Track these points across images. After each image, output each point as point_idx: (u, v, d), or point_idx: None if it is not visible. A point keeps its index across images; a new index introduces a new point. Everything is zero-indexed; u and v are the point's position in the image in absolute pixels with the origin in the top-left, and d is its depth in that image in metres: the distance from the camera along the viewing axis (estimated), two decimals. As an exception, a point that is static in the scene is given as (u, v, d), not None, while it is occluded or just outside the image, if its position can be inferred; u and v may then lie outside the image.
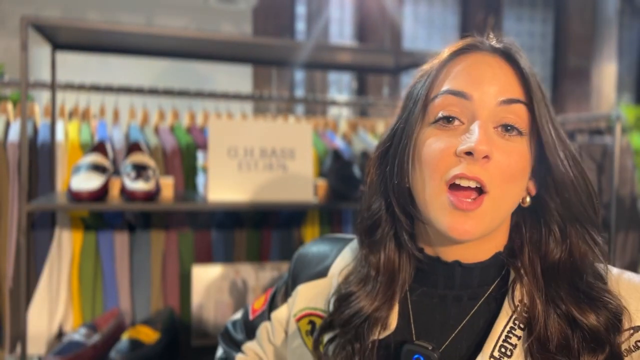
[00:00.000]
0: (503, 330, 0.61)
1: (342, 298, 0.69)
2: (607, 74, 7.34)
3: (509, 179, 0.58)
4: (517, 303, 0.61)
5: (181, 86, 1.92)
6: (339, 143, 1.97)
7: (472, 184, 0.58)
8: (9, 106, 1.80)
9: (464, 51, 0.63)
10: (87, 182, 1.30)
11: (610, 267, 0.63)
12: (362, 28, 6.79)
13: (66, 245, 1.65)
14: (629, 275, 0.63)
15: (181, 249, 1.79)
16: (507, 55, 0.62)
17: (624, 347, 0.59)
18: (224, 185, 1.43)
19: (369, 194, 0.70)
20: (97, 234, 1.69)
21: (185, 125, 1.95)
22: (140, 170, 1.38)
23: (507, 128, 0.59)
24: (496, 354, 0.59)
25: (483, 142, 0.56)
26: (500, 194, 0.58)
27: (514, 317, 0.61)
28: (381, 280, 0.67)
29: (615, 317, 0.58)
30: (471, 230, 0.58)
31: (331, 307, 0.70)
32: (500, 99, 0.59)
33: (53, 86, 1.58)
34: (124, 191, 1.34)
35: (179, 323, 1.64)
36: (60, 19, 1.36)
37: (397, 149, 0.65)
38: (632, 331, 0.59)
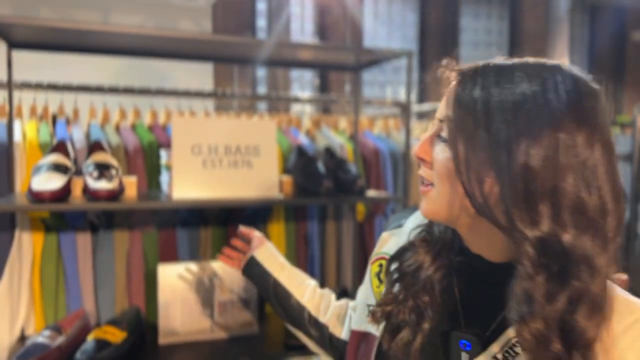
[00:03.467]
0: (513, 337, 0.66)
1: (406, 248, 0.79)
2: (559, 69, 7.59)
3: (441, 176, 0.68)
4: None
5: (140, 84, 1.90)
6: (302, 139, 2.00)
7: (425, 182, 0.72)
8: (-38, 106, 1.74)
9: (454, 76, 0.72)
10: (48, 182, 1.28)
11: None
12: (322, 25, 6.82)
13: (27, 247, 1.62)
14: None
15: (146, 249, 1.78)
16: (462, 75, 0.68)
17: None
18: (189, 182, 1.44)
19: None
20: (59, 235, 1.66)
21: (147, 124, 1.93)
22: (102, 170, 1.37)
23: (440, 137, 0.69)
24: (500, 356, 0.67)
25: (415, 148, 0.71)
26: (438, 188, 0.69)
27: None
28: (440, 247, 0.76)
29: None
30: (425, 209, 0.71)
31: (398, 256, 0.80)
32: (439, 117, 0.70)
33: (10, 85, 1.55)
34: (86, 191, 1.33)
35: (145, 322, 1.63)
36: (15, 17, 1.33)
37: None
38: None
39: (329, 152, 1.73)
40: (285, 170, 1.76)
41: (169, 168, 1.52)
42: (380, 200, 1.79)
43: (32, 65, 2.22)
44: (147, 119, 1.95)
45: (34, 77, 1.82)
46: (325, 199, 1.52)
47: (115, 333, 1.41)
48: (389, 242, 0.87)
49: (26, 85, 1.77)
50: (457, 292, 0.73)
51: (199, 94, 2.01)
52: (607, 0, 8.73)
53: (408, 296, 0.74)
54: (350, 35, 6.38)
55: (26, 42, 1.52)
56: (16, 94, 1.79)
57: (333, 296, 1.06)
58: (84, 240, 1.69)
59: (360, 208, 1.95)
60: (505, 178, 0.61)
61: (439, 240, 0.76)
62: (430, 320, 0.72)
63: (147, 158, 1.75)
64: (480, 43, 9.03)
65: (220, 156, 1.47)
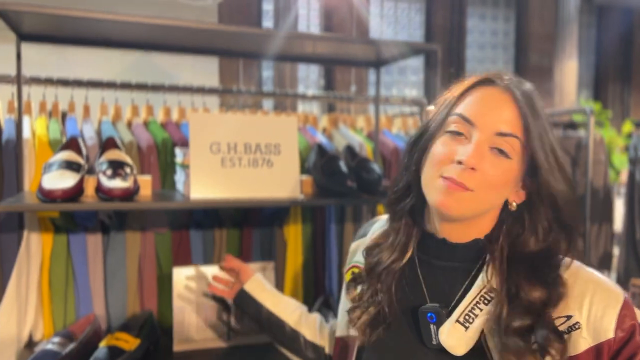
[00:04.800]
0: (471, 302, 0.79)
1: (370, 248, 0.92)
2: (568, 71, 7.53)
3: (491, 185, 0.77)
4: (485, 282, 0.79)
5: (146, 82, 1.83)
6: (320, 138, 1.93)
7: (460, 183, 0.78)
8: (-32, 101, 1.68)
9: (484, 83, 0.82)
10: (60, 180, 1.21)
11: (575, 262, 0.80)
12: (329, 26, 6.75)
13: (35, 248, 1.55)
14: (587, 269, 0.80)
15: (158, 251, 1.71)
16: (515, 96, 0.79)
17: (560, 328, 0.75)
18: (207, 182, 1.37)
19: (400, 174, 0.90)
20: (69, 235, 1.60)
21: (160, 121, 1.86)
22: (117, 168, 1.30)
23: (500, 151, 0.77)
24: (461, 319, 0.78)
25: (472, 157, 0.76)
26: (481, 195, 0.77)
27: (482, 292, 0.79)
28: (400, 240, 0.88)
29: (554, 298, 0.75)
30: (452, 205, 0.78)
31: (363, 258, 0.92)
32: (497, 131, 0.78)
33: (18, 80, 1.48)
34: (100, 190, 1.26)
35: (158, 328, 1.56)
36: (26, 4, 1.27)
37: (421, 142, 0.85)
38: (564, 319, 0.75)
39: (351, 151, 1.66)
40: (304, 169, 1.69)
41: (185, 167, 1.45)
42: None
43: (38, 61, 2.15)
44: (159, 116, 1.88)
45: (41, 73, 1.75)
46: (349, 199, 1.45)
47: (128, 340, 1.34)
48: (357, 251, 0.98)
49: (35, 80, 1.71)
50: (421, 275, 0.85)
51: (212, 91, 1.94)
52: (614, 1, 8.66)
53: (369, 287, 0.87)
54: (356, 35, 6.31)
55: (36, 34, 1.45)
56: (25, 90, 1.72)
57: (324, 319, 1.15)
58: (94, 241, 1.62)
59: (381, 209, 1.88)
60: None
61: (399, 234, 0.88)
62: (385, 306, 0.85)
63: (161, 156, 1.69)
64: (486, 44, 8.97)
65: (239, 154, 1.40)
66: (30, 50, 1.51)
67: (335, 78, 6.67)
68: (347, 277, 0.96)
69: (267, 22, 6.35)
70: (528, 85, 0.82)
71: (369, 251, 0.92)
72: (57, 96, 1.76)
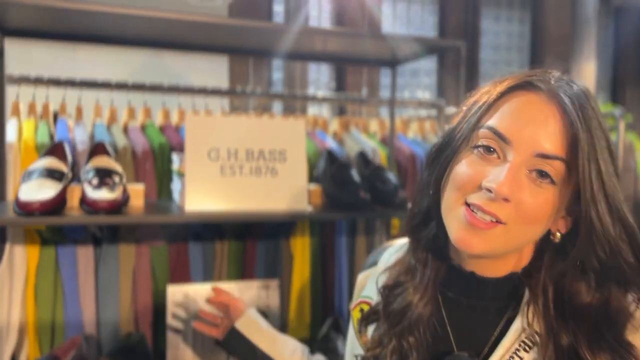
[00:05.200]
0: (509, 350, 0.66)
1: (391, 287, 0.76)
2: (586, 73, 7.32)
3: (529, 220, 0.62)
4: (526, 325, 0.66)
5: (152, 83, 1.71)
6: (330, 143, 1.79)
7: (487, 218, 0.62)
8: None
9: (524, 87, 0.65)
10: (39, 191, 1.08)
11: None
12: (340, 26, 6.62)
13: (19, 262, 1.42)
14: None
15: (154, 265, 1.57)
16: (563, 105, 0.62)
17: None
18: (204, 192, 1.23)
19: (420, 192, 0.75)
20: (57, 248, 1.47)
21: (159, 124, 1.74)
22: (103, 177, 1.17)
23: (542, 174, 0.62)
24: None
25: (505, 185, 0.60)
26: (516, 229, 0.62)
27: (521, 337, 0.66)
28: (429, 276, 0.73)
29: None
30: (477, 246, 0.63)
31: (379, 295, 0.77)
32: (538, 151, 0.61)
33: (1, 78, 1.35)
34: (84, 201, 1.13)
35: (151, 353, 1.43)
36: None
37: (442, 157, 0.69)
38: None
39: (364, 158, 1.52)
40: (312, 178, 1.54)
41: (181, 175, 1.31)
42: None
43: (36, 61, 2.03)
44: (158, 119, 1.75)
45: (48, 74, 1.62)
46: (362, 212, 1.30)
47: (116, 367, 1.21)
48: (367, 284, 0.84)
49: (24, 80, 1.59)
50: (446, 316, 0.72)
51: (215, 92, 1.81)
52: (632, 1, 8.43)
53: (392, 337, 0.73)
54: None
55: (22, 28, 1.33)
56: (13, 90, 1.61)
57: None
58: (85, 255, 1.50)
59: (396, 222, 1.74)
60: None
61: (427, 268, 0.74)
62: (410, 355, 0.71)
63: (158, 162, 1.56)
64: (501, 46, 8.79)
65: (240, 162, 1.27)
66: (38, 50, 1.40)
67: (347, 81, 6.54)
68: (356, 314, 0.82)
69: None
70: (580, 88, 0.65)
71: (389, 291, 0.77)
72: (48, 97, 1.64)
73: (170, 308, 1.35)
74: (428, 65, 7.85)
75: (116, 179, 1.19)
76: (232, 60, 4.65)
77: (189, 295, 1.37)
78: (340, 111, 4.84)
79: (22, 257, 1.42)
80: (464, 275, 0.70)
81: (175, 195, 1.41)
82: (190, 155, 1.23)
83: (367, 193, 1.31)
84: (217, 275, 1.64)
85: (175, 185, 1.42)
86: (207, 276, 1.63)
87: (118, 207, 1.13)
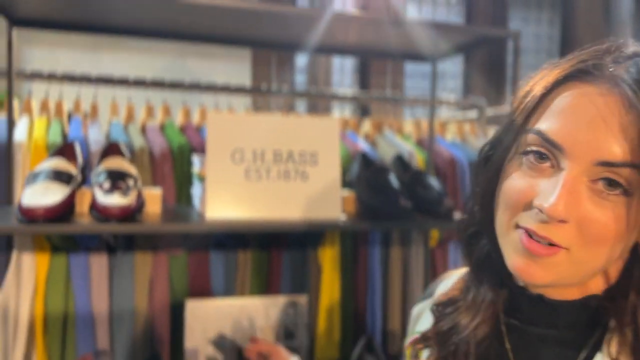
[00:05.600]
0: None
1: (443, 304, 0.66)
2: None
3: (596, 242, 0.50)
4: None
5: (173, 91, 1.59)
6: (363, 146, 1.65)
7: (545, 242, 0.50)
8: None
9: (573, 78, 0.52)
10: (44, 195, 0.97)
11: None
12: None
13: (27, 272, 1.31)
14: None
15: (172, 275, 1.45)
16: (628, 96, 0.48)
17: None
18: (227, 198, 1.10)
19: (473, 199, 0.63)
20: (68, 257, 1.36)
21: (179, 124, 1.62)
22: (116, 180, 1.05)
23: (611, 183, 0.49)
24: None
25: (558, 205, 0.48)
26: (582, 254, 0.50)
27: None
28: (484, 296, 0.62)
29: None
30: (539, 276, 0.52)
31: (432, 317, 0.67)
32: (599, 159, 0.49)
33: (10, 72, 1.25)
34: (94, 207, 1.01)
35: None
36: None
37: (490, 165, 0.58)
38: None
39: (402, 161, 1.37)
40: (344, 182, 1.41)
41: (202, 178, 1.19)
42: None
43: (61, 64, 1.94)
44: (178, 118, 1.64)
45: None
46: (402, 221, 1.16)
47: (128, 392, 1.08)
48: (422, 317, 0.72)
49: (37, 75, 1.49)
50: (510, 348, 0.60)
51: (239, 90, 1.68)
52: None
53: None
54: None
55: (32, 17, 1.22)
56: (26, 86, 1.51)
57: None
58: (98, 265, 1.38)
59: (434, 232, 1.59)
60: None
61: (483, 288, 0.62)
62: None
63: (177, 165, 1.44)
64: (529, 49, 8.55)
65: (267, 164, 1.14)
66: (62, 54, 1.30)
67: (370, 79, 6.42)
68: (409, 352, 0.70)
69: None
70: None
71: (440, 308, 0.66)
72: (62, 94, 1.54)
73: (189, 326, 1.22)
74: (454, 68, 7.66)
75: (130, 182, 1.07)
76: (255, 62, 4.57)
77: (209, 311, 1.24)
78: (364, 112, 4.71)
79: (31, 266, 1.32)
80: (530, 298, 0.58)
81: (196, 200, 1.29)
82: (212, 157, 1.11)
83: (407, 200, 1.16)
84: (239, 288, 1.51)
85: (196, 189, 1.30)
86: (228, 289, 1.50)
87: (131, 213, 1.01)
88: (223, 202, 1.10)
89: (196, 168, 1.30)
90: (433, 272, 1.65)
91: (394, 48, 1.48)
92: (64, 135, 1.45)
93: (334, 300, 1.53)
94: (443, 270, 1.67)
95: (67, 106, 1.56)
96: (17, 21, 1.23)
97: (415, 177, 1.25)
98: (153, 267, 1.44)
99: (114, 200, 1.00)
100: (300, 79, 6.19)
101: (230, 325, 1.24)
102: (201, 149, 1.46)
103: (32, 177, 1.03)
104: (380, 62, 5.69)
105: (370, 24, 1.25)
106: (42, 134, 1.39)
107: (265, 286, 1.54)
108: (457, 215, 1.23)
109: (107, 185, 1.04)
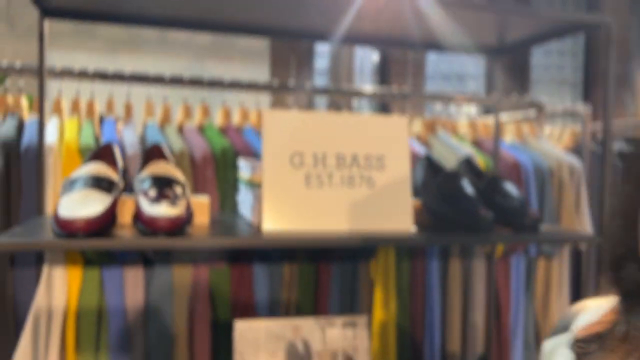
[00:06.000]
0: None
1: (586, 340, 0.56)
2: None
3: None
4: None
5: (194, 89, 1.46)
6: (417, 148, 1.51)
7: None
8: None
9: None
10: (83, 205, 0.84)
11: None
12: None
13: (59, 288, 1.20)
14: None
15: (214, 290, 1.33)
16: None
17: None
18: (285, 208, 0.97)
19: (615, 216, 0.55)
20: (102, 271, 1.24)
21: (218, 125, 1.49)
22: (163, 187, 0.92)
23: None
24: None
25: None
26: None
27: None
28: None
29: None
30: None
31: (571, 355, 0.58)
32: None
33: (41, 68, 1.13)
34: (139, 218, 0.89)
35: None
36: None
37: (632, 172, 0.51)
38: None
39: (471, 166, 1.23)
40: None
41: (254, 185, 1.06)
42: (566, 239, 1.23)
43: (70, 63, 1.82)
44: (217, 119, 1.51)
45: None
46: (487, 236, 1.02)
47: None
48: (556, 354, 0.63)
49: (67, 73, 1.37)
50: None
51: (282, 87, 1.55)
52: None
53: None
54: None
55: (64, 7, 1.11)
56: (55, 85, 1.40)
57: None
58: (134, 279, 1.26)
59: (501, 248, 1.44)
60: None
61: (638, 320, 0.51)
62: None
63: (220, 169, 1.31)
64: (552, 51, 8.31)
65: (329, 169, 1.00)
66: (80, 58, 1.18)
67: (390, 74, 6.28)
68: None
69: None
70: None
71: (582, 345, 0.56)
72: (93, 93, 1.42)
73: (239, 349, 1.09)
74: (476, 70, 7.48)
75: (178, 190, 0.94)
76: (273, 64, 4.48)
77: (259, 333, 1.11)
78: (383, 108, 4.57)
79: (62, 282, 1.20)
80: None
81: (243, 209, 1.16)
82: (269, 161, 0.98)
83: (488, 210, 1.02)
84: (284, 305, 1.38)
85: (243, 196, 1.17)
86: (272, 304, 1.37)
87: (181, 226, 0.88)
88: (281, 212, 0.97)
89: (242, 173, 1.17)
90: (495, 288, 1.51)
91: (450, 38, 1.33)
92: (96, 138, 1.33)
93: (388, 320, 1.39)
94: (505, 286, 1.52)
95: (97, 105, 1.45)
96: (49, 11, 1.12)
97: (491, 183, 1.11)
98: (193, 281, 1.31)
99: (162, 210, 0.87)
100: (320, 81, 6.07)
101: (283, 349, 1.11)
102: (245, 152, 1.34)
103: (69, 184, 0.90)
104: (400, 64, 5.57)
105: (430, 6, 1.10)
106: (74, 136, 1.27)
107: (312, 302, 1.41)
108: (547, 228, 1.08)
109: (153, 193, 0.91)
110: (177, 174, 0.98)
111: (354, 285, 1.43)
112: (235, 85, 1.49)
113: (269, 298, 1.38)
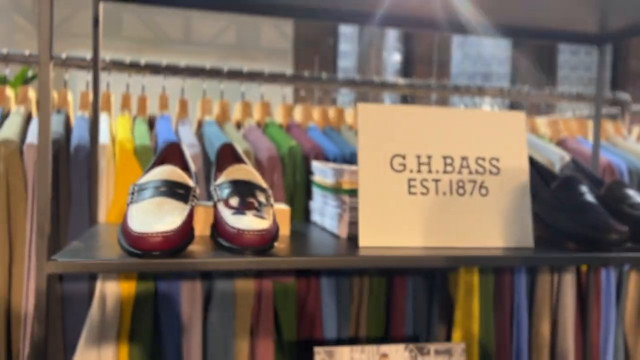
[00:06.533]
0: None
1: None
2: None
3: None
4: None
5: (219, 88, 1.32)
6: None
7: None
8: (32, 93, 1.24)
9: None
10: (159, 217, 0.70)
11: None
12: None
13: (112, 306, 1.06)
14: None
15: (278, 308, 1.19)
16: None
17: None
18: (386, 219, 0.82)
19: None
20: (157, 285, 1.11)
21: (280, 122, 1.35)
22: (245, 195, 0.78)
23: None
24: None
25: None
26: None
27: None
28: None
29: None
30: None
31: None
32: None
33: (95, 61, 1.00)
34: (220, 232, 0.75)
35: None
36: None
37: None
38: None
39: (581, 169, 1.07)
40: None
41: (339, 191, 0.92)
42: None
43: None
44: (278, 116, 1.37)
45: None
46: (628, 256, 0.86)
47: None
48: None
49: (117, 65, 1.24)
50: None
51: (293, 79, 1.40)
52: None
53: None
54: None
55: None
56: (104, 78, 1.27)
57: None
58: (191, 294, 1.13)
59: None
60: None
61: None
62: None
63: (287, 172, 1.17)
64: (580, 49, 8.07)
65: (436, 175, 0.85)
66: (106, 55, 1.05)
67: (415, 69, 6.13)
68: None
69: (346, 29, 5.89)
70: None
71: None
72: (144, 88, 1.29)
73: (321, 382, 0.95)
74: (502, 69, 7.27)
75: (261, 198, 0.80)
76: (297, 64, 4.38)
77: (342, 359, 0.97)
78: (403, 99, 4.42)
79: (115, 299, 1.06)
80: None
81: (317, 216, 1.02)
82: (365, 163, 0.83)
83: (624, 226, 0.86)
84: (353, 325, 1.24)
85: (317, 203, 1.03)
86: (341, 323, 1.23)
87: (271, 240, 0.74)
88: (380, 224, 0.82)
89: (319, 177, 1.03)
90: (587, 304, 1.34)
91: (541, 25, 1.18)
92: (151, 138, 1.20)
93: (470, 343, 1.24)
94: (596, 300, 1.36)
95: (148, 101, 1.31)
96: (106, -7, 0.98)
97: (614, 190, 0.95)
98: (256, 297, 1.17)
99: (249, 222, 0.73)
100: (344, 80, 5.93)
101: (370, 380, 0.97)
102: (314, 154, 1.19)
103: (138, 192, 0.77)
104: (426, 65, 5.41)
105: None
106: (127, 135, 1.14)
107: (384, 321, 1.26)
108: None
109: (235, 201, 0.77)
110: (259, 179, 0.84)
111: (432, 303, 1.28)
112: (297, 78, 1.34)
113: (336, 315, 1.23)
